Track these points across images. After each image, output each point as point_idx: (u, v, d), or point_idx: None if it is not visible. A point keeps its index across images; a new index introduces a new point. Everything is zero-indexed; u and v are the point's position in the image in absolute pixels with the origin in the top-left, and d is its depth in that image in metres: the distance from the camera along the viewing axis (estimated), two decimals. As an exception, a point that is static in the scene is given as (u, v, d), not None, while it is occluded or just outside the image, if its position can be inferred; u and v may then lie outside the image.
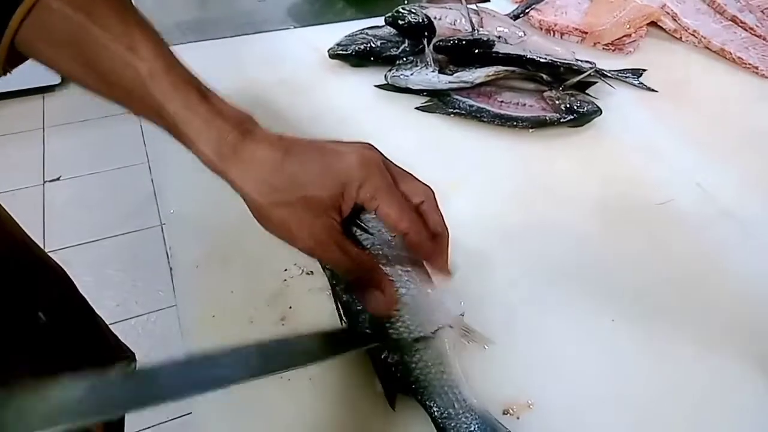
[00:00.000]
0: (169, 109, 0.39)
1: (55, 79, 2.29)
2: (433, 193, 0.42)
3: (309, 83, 0.72)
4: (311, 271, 0.49)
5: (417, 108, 0.68)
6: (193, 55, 0.77)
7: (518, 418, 0.41)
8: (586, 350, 0.46)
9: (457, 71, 0.68)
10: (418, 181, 0.42)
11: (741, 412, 0.42)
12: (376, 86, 0.71)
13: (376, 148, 0.42)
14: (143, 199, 2.01)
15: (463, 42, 0.69)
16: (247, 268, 0.50)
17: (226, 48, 0.79)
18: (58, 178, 2.06)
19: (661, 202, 0.58)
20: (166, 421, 1.45)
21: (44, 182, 2.04)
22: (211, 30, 0.87)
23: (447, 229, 0.43)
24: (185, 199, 0.57)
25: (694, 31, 0.80)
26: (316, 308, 0.47)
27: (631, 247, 0.54)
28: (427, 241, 0.41)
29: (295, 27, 0.87)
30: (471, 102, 0.66)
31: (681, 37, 0.82)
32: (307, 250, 0.40)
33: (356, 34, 0.75)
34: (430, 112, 0.67)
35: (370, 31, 0.76)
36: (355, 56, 0.73)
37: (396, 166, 0.42)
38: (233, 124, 0.40)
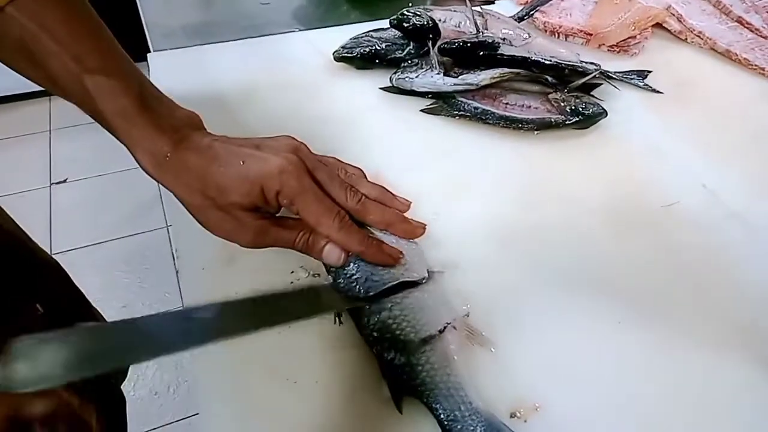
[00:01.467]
0: (110, 120, 0.43)
1: (62, 82, 2.30)
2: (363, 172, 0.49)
3: (314, 86, 0.73)
4: (318, 274, 0.50)
5: (422, 110, 0.68)
6: (197, 59, 0.78)
7: (525, 421, 0.41)
8: (593, 352, 0.46)
9: (462, 73, 0.68)
10: (349, 166, 0.49)
11: (750, 415, 0.42)
12: (381, 89, 0.71)
13: (302, 148, 0.46)
14: (149, 200, 2.02)
15: (468, 44, 0.69)
16: (253, 270, 0.50)
17: (230, 51, 0.80)
18: (64, 181, 2.07)
19: (667, 204, 0.58)
20: (172, 422, 1.45)
21: (51, 184, 2.05)
22: (215, 33, 0.87)
23: (385, 190, 0.50)
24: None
25: (700, 32, 0.80)
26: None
27: (637, 249, 0.54)
28: (353, 236, 0.45)
29: (299, 30, 0.87)
30: (476, 104, 0.66)
31: (686, 39, 0.82)
32: (250, 245, 0.45)
33: (361, 37, 0.76)
34: (435, 114, 0.67)
35: (374, 34, 0.76)
36: (360, 59, 0.73)
37: (322, 163, 0.47)
38: (169, 134, 0.44)
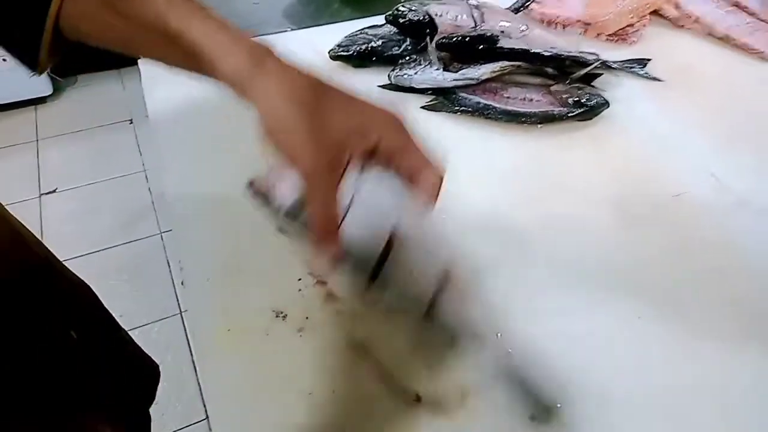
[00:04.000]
0: (189, 37, 0.39)
1: (47, 90, 2.27)
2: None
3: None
4: (325, 281, 0.48)
5: (422, 107, 0.67)
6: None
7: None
8: (611, 346, 0.45)
9: (461, 68, 0.67)
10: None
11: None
12: (379, 86, 0.70)
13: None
14: (141, 207, 2.00)
15: (467, 38, 0.67)
16: (259, 280, 0.49)
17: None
18: (54, 191, 2.04)
19: (676, 194, 0.57)
20: (182, 428, 1.44)
21: (40, 195, 2.02)
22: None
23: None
24: (193, 210, 0.56)
25: (698, 17, 0.79)
26: (334, 317, 0.46)
27: (649, 241, 0.53)
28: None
29: (292, 29, 0.85)
30: (477, 99, 0.65)
31: (684, 25, 0.81)
32: (302, 173, 0.38)
33: (356, 34, 0.74)
34: (436, 110, 0.66)
35: (370, 31, 0.75)
36: (356, 57, 0.72)
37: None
38: (256, 49, 0.39)
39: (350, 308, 0.47)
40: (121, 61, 2.44)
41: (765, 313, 0.47)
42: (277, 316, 0.46)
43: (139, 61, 0.78)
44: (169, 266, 1.80)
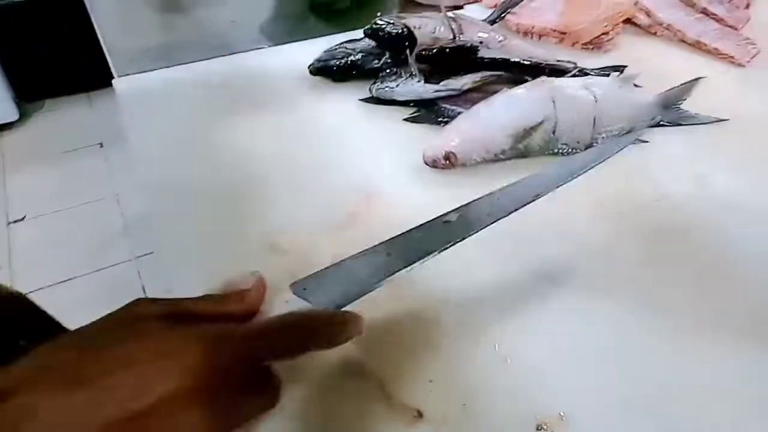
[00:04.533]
0: None
1: (13, 116, 2.22)
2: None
3: (291, 101, 0.71)
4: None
5: (406, 119, 0.66)
6: (165, 81, 0.75)
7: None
8: (612, 356, 0.44)
9: (442, 79, 0.67)
10: None
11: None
12: (361, 100, 0.69)
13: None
14: (113, 233, 1.95)
15: (447, 50, 0.68)
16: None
17: (199, 72, 0.77)
18: (22, 218, 1.98)
19: (657, 198, 0.58)
20: None
21: (8, 223, 1.97)
22: (181, 55, 0.84)
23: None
24: (177, 230, 0.54)
25: (669, 25, 0.81)
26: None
27: (637, 246, 0.53)
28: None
29: (269, 46, 0.85)
30: (460, 109, 0.65)
31: (656, 32, 0.82)
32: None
33: (335, 49, 0.74)
34: (419, 122, 0.66)
35: (349, 45, 0.74)
36: (336, 71, 0.71)
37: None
38: None
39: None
40: (90, 83, 2.40)
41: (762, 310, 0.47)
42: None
43: (113, 81, 0.77)
44: (144, 292, 1.76)
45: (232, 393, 0.30)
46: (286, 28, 0.92)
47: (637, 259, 0.52)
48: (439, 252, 0.39)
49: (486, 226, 0.41)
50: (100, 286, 1.78)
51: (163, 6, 1.03)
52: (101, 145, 2.25)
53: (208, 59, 0.79)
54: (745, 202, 0.58)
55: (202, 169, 0.61)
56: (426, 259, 0.39)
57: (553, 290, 0.49)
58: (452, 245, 0.40)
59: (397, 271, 0.38)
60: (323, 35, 0.83)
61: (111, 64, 0.84)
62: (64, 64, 2.32)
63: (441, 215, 0.42)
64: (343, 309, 0.37)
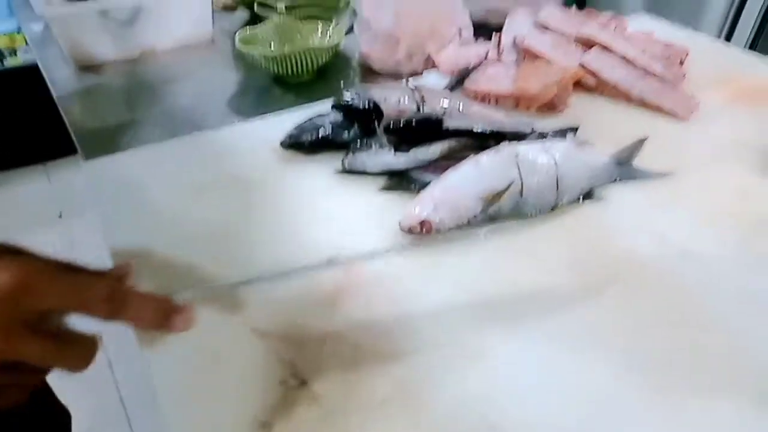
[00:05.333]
0: None
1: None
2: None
3: (265, 176, 0.73)
4: (305, 381, 0.48)
5: (381, 189, 0.69)
6: (135, 163, 0.76)
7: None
8: (591, 410, 0.47)
9: (410, 149, 0.70)
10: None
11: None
12: (335, 172, 0.72)
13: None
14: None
15: (413, 122, 0.71)
16: (237, 389, 0.48)
17: (169, 151, 0.78)
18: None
19: (620, 251, 0.62)
20: None
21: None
22: (148, 133, 0.85)
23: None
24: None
25: (614, 85, 0.87)
26: (318, 419, 0.46)
27: (602, 299, 0.56)
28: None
29: (238, 120, 0.87)
30: (430, 177, 0.68)
31: (603, 92, 0.88)
32: None
33: (305, 123, 0.77)
34: (393, 190, 0.69)
35: (317, 119, 0.77)
36: (308, 145, 0.74)
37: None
38: None
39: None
40: (46, 154, 2.37)
41: (715, 356, 0.51)
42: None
43: (82, 163, 0.77)
44: (111, 368, 1.71)
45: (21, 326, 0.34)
46: (251, 102, 0.95)
47: (604, 311, 0.55)
48: None
49: None
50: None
51: (127, 83, 1.04)
52: (60, 215, 2.21)
53: (178, 137, 0.80)
54: (701, 251, 0.62)
55: (177, 250, 0.62)
56: None
57: (519, 343, 0.51)
58: None
59: None
60: (291, 107, 0.86)
61: (77, 143, 0.85)
62: (19, 135, 2.29)
63: None
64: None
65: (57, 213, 2.21)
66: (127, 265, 0.44)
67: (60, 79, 1.03)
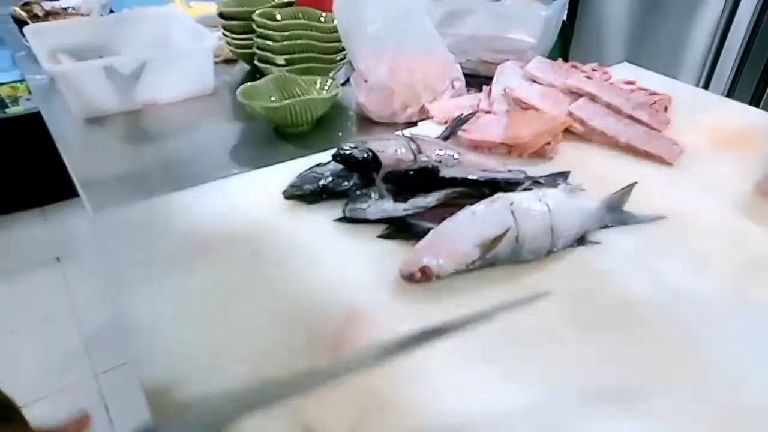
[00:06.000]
0: None
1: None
2: None
3: (268, 227, 0.75)
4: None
5: (379, 236, 0.72)
6: (141, 214, 0.78)
7: None
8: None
9: (409, 198, 0.73)
10: None
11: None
12: (335, 220, 0.74)
13: None
14: (72, 350, 1.90)
15: (411, 172, 0.74)
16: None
17: (174, 203, 0.80)
18: (-24, 342, 1.91)
19: (616, 291, 0.64)
20: None
21: (-38, 348, 1.89)
22: (152, 186, 0.87)
23: None
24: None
25: (602, 131, 0.90)
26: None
27: (602, 343, 0.58)
28: None
29: (239, 172, 0.89)
30: (428, 224, 0.70)
31: (591, 139, 0.92)
32: None
33: (306, 173, 0.80)
34: (392, 239, 0.71)
35: (318, 169, 0.80)
36: (309, 195, 0.77)
37: None
38: None
39: None
40: (44, 197, 2.40)
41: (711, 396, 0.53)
42: None
43: (92, 216, 0.79)
44: (106, 411, 1.70)
45: None
46: (254, 152, 0.98)
47: (606, 354, 0.57)
48: None
49: None
50: (62, 407, 1.70)
51: (128, 135, 1.07)
52: (58, 259, 2.22)
53: (181, 187, 0.83)
54: (694, 292, 0.64)
55: (183, 308, 0.63)
56: None
57: (516, 385, 0.53)
58: None
59: None
60: (289, 158, 0.89)
61: (85, 199, 0.87)
62: (16, 179, 2.33)
63: None
64: None
65: (55, 255, 2.23)
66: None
67: (64, 130, 1.06)
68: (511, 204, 0.67)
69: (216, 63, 1.22)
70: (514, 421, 0.50)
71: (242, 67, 1.31)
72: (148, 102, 1.12)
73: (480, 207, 0.68)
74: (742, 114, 1.02)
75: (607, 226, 0.73)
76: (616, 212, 0.74)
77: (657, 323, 0.60)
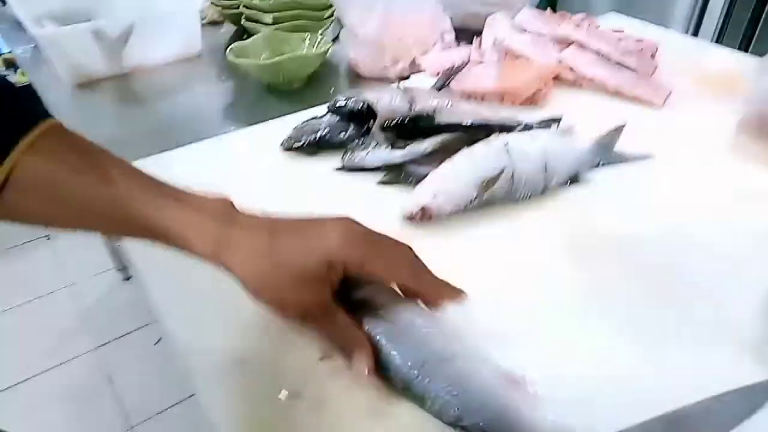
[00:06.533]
0: (155, 223, 0.43)
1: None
2: (413, 252, 0.49)
3: (268, 178, 0.76)
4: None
5: (379, 182, 0.73)
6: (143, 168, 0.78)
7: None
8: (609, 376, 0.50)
9: (406, 144, 0.74)
10: (398, 245, 0.49)
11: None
12: (335, 169, 0.76)
13: (356, 222, 0.48)
14: (69, 326, 1.91)
15: (407, 119, 0.75)
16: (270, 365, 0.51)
17: (175, 159, 0.81)
18: (-26, 321, 1.91)
19: (608, 226, 0.66)
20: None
21: (-41, 329, 1.89)
22: (147, 144, 0.87)
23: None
24: (189, 310, 0.58)
25: (591, 78, 0.92)
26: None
27: (590, 268, 0.61)
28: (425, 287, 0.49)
29: (236, 128, 0.90)
30: (426, 169, 0.72)
31: (582, 85, 0.93)
32: (298, 320, 0.47)
33: (303, 126, 0.80)
34: (391, 184, 0.73)
35: (314, 121, 0.81)
36: (308, 146, 0.78)
37: (376, 234, 0.48)
38: (218, 219, 0.45)
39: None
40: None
41: (721, 315, 0.55)
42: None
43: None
44: (109, 383, 1.72)
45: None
46: (247, 110, 0.98)
47: (597, 280, 0.59)
48: None
49: None
50: (63, 382, 1.73)
51: (120, 99, 1.07)
52: (48, 237, 2.22)
53: (179, 146, 0.83)
54: (682, 223, 0.66)
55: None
56: None
57: (532, 322, 0.55)
58: None
59: None
60: (284, 114, 0.89)
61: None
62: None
63: None
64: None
65: (45, 233, 2.22)
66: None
67: (56, 98, 1.05)
68: (506, 144, 0.69)
69: (202, 25, 1.21)
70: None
71: (228, 29, 1.30)
72: (137, 65, 1.12)
73: (477, 148, 0.69)
74: (729, 58, 1.03)
75: (598, 165, 0.75)
76: (606, 152, 0.76)
77: (646, 253, 0.63)
